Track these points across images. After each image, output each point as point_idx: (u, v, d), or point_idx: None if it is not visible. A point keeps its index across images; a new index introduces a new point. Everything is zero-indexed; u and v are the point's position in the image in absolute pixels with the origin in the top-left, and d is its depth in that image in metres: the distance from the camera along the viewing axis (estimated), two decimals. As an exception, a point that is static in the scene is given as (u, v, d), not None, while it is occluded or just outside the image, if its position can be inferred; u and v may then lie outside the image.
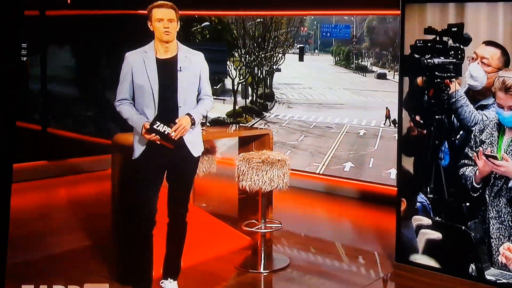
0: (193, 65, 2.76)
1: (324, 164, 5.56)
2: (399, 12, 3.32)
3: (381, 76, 5.46)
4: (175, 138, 2.64)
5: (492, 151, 3.00)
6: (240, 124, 6.07)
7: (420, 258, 3.30)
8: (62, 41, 6.57)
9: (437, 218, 3.23)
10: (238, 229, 3.83)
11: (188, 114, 2.70)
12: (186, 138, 2.73)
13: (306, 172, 5.58)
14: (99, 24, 6.47)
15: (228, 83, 6.46)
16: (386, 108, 5.22)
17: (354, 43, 5.62)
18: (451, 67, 3.11)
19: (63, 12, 6.46)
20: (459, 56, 3.09)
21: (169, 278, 2.93)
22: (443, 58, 3.13)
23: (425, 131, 3.26)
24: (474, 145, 3.08)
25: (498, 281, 3.02)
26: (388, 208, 4.19)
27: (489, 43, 3.00)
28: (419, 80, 3.24)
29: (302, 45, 5.94)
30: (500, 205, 3.01)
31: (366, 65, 5.60)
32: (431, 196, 3.24)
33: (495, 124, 3.01)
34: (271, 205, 3.84)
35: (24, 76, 6.29)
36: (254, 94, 6.28)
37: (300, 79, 6.00)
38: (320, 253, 3.85)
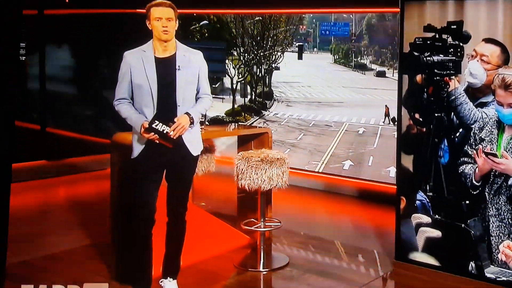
0: (192, 64, 2.75)
1: (323, 163, 5.56)
2: (399, 9, 3.31)
3: (380, 74, 5.45)
4: (174, 137, 2.64)
5: (492, 149, 2.99)
6: (239, 123, 6.06)
7: (419, 256, 3.30)
8: (61, 40, 6.56)
9: (437, 216, 3.22)
10: (237, 228, 3.83)
11: (187, 113, 2.70)
12: (185, 137, 2.72)
13: (305, 171, 5.58)
14: (98, 23, 6.46)
15: (227, 81, 6.45)
16: (386, 106, 5.22)
17: (353, 41, 5.61)
18: (451, 64, 3.11)
19: (61, 11, 6.45)
20: (459, 54, 3.08)
21: (168, 277, 2.92)
22: (442, 55, 3.13)
23: (424, 129, 3.26)
24: (473, 143, 3.08)
25: (498, 279, 3.02)
26: (387, 206, 4.18)
27: (488, 40, 3.00)
28: (419, 78, 3.24)
29: (301, 43, 5.93)
30: (499, 203, 3.00)
31: (365, 63, 5.59)
32: (430, 194, 3.24)
33: (495, 122, 3.00)
34: (270, 203, 3.84)
35: (23, 76, 6.29)
36: (253, 93, 6.27)
37: (299, 78, 6.00)
38: (319, 252, 3.85)
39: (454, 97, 3.11)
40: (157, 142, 2.65)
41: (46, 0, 6.31)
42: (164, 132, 2.61)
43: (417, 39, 3.20)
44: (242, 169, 3.30)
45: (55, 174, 5.81)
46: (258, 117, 6.21)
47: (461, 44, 3.07)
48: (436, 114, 3.18)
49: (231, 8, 6.20)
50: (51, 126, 6.48)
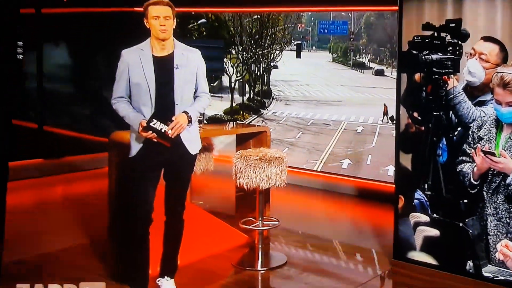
0: (190, 63, 2.74)
1: (321, 161, 5.56)
2: (397, 8, 3.30)
3: (379, 73, 5.45)
4: (172, 136, 2.63)
5: (490, 148, 2.99)
6: (238, 122, 6.06)
7: (417, 255, 3.30)
8: (59, 39, 6.54)
9: (435, 215, 3.22)
10: (235, 227, 3.82)
11: (185, 112, 2.69)
12: (183, 136, 2.71)
13: (303, 170, 5.57)
14: (95, 21, 6.45)
15: (225, 80, 6.44)
16: (384, 104, 5.21)
17: (351, 39, 5.61)
18: (449, 63, 3.10)
19: (59, 10, 6.43)
20: (457, 52, 3.08)
21: (166, 276, 2.92)
22: (441, 54, 3.12)
23: (423, 128, 3.25)
24: (472, 142, 3.07)
25: (495, 278, 3.02)
26: (385, 205, 4.18)
27: (487, 39, 2.99)
28: (417, 76, 3.23)
29: (299, 42, 5.92)
30: (497, 201, 3.00)
31: (363, 61, 5.59)
32: (429, 193, 3.24)
33: (493, 121, 3.00)
34: (269, 202, 3.83)
35: (20, 74, 6.27)
36: (251, 91, 6.26)
37: (298, 76, 5.99)
38: (317, 251, 3.84)
39: (452, 95, 3.11)
40: (155, 141, 2.64)
41: (44, -1, 6.29)
42: (162, 131, 2.60)
43: (415, 38, 3.20)
44: (240, 168, 3.29)
45: (52, 173, 5.79)
46: (256, 116, 6.20)
47: (459, 42, 3.07)
48: (434, 113, 3.18)
49: (229, 6, 6.19)
50: (49, 124, 6.46)
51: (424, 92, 3.20)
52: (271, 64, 6.10)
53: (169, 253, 2.91)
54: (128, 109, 2.69)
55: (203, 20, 6.50)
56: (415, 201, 3.29)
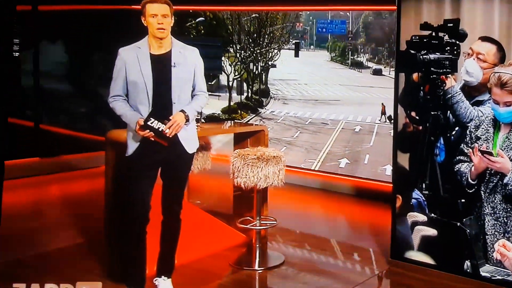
0: (188, 61, 2.73)
1: (319, 161, 5.55)
2: (395, 7, 3.30)
3: (377, 72, 5.45)
4: (170, 135, 2.62)
5: (488, 147, 2.99)
6: (235, 121, 6.05)
7: (415, 255, 3.30)
8: (55, 37, 6.50)
9: (433, 214, 3.22)
10: (233, 226, 3.82)
11: (182, 111, 2.67)
12: (181, 134, 2.70)
13: (301, 169, 5.57)
14: (92, 19, 6.42)
15: (223, 79, 6.43)
16: (382, 104, 5.21)
17: (350, 38, 5.60)
18: (447, 63, 3.10)
19: (56, 7, 6.39)
20: (455, 52, 3.08)
21: (163, 276, 2.91)
22: (439, 54, 3.12)
23: (420, 127, 3.25)
24: (469, 141, 3.07)
25: (493, 278, 3.03)
26: (383, 204, 4.18)
27: (485, 39, 2.99)
28: (415, 76, 3.23)
29: (297, 41, 5.92)
30: (495, 201, 3.00)
31: (362, 61, 5.59)
32: (426, 192, 3.24)
33: (491, 120, 3.00)
34: (266, 202, 3.82)
35: (17, 72, 6.23)
36: (249, 90, 6.25)
37: (296, 75, 5.98)
38: (315, 250, 3.84)
39: (450, 95, 3.11)
40: (152, 139, 2.62)
41: (40, -4, 6.26)
42: (160, 129, 2.59)
43: (413, 37, 3.19)
44: (238, 167, 3.28)
45: (48, 172, 5.77)
46: (254, 115, 6.19)
47: (457, 42, 3.07)
48: (432, 112, 3.18)
49: (227, 5, 6.17)
50: (45, 123, 6.43)
51: (422, 92, 3.20)
52: (269, 63, 6.09)
53: (166, 252, 2.90)
54: (125, 107, 2.68)
55: (201, 18, 6.49)
56: (413, 200, 3.29)
